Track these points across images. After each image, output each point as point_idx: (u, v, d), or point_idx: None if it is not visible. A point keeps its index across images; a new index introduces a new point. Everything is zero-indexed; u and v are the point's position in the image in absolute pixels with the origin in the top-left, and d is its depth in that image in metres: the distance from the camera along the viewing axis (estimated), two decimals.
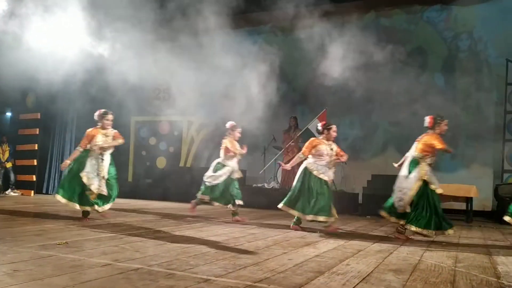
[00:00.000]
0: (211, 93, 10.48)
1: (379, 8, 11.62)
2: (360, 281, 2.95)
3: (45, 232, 4.59)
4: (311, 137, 9.69)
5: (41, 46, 7.57)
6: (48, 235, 4.42)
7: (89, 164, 5.84)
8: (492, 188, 9.86)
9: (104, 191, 5.86)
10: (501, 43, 10.41)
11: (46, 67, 8.14)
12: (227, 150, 6.88)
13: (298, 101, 11.77)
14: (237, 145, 6.97)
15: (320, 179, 5.79)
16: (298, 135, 9.80)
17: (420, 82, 10.90)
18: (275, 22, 11.21)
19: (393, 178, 10.02)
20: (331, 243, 4.71)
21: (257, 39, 11.73)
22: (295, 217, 5.91)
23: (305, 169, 5.94)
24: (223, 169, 6.79)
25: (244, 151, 6.99)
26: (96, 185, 5.79)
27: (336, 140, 10.42)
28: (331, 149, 5.93)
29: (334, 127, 6.08)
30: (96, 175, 5.84)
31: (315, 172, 5.82)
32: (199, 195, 6.88)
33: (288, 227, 6.07)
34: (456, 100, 10.83)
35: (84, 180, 5.73)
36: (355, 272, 3.26)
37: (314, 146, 5.90)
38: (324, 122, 6.43)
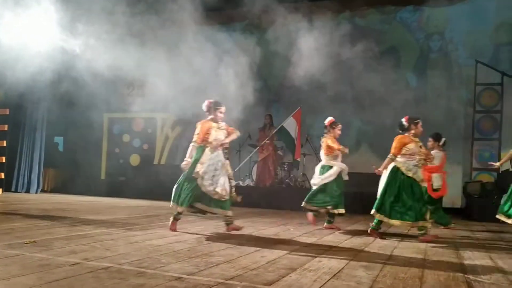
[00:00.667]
0: (185, 89, 10.41)
1: (354, 8, 11.75)
2: (331, 278, 2.98)
3: (13, 231, 4.47)
4: (286, 134, 9.84)
5: (9, 40, 7.37)
6: (16, 233, 4.31)
7: (209, 162, 5.05)
8: (461, 185, 10.12)
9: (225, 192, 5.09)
10: (471, 44, 10.68)
11: (15, 62, 7.93)
12: (329, 149, 6.46)
13: (273, 99, 11.81)
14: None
15: (414, 180, 5.35)
16: (273, 133, 9.83)
17: (393, 81, 11.09)
18: (250, 19, 11.21)
19: (366, 176, 10.21)
20: (304, 240, 4.74)
21: (232, 36, 11.69)
22: (376, 220, 5.45)
23: (396, 169, 5.44)
24: (330, 170, 6.38)
25: (347, 149, 6.57)
26: (220, 185, 5.02)
27: (310, 139, 10.59)
28: (420, 147, 5.56)
29: (420, 122, 5.74)
30: (218, 174, 5.07)
31: (409, 173, 5.36)
32: (313, 206, 6.33)
33: (262, 224, 6.08)
34: (427, 99, 11.08)
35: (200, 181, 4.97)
36: (327, 268, 3.29)
37: (405, 144, 5.48)
38: (407, 117, 5.84)
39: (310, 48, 10.17)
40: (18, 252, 3.35)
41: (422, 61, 11.27)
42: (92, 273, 2.79)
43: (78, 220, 5.64)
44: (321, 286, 2.75)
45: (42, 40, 7.55)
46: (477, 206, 8.69)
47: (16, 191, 11.51)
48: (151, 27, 8.53)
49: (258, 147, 10.07)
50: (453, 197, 9.99)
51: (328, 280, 2.92)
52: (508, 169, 8.69)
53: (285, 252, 3.93)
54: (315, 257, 3.75)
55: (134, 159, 13.03)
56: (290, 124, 9.63)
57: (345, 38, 10.13)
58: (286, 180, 10.15)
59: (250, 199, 9.61)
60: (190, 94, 10.41)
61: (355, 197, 9.34)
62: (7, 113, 11.16)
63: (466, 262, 3.85)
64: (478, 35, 10.54)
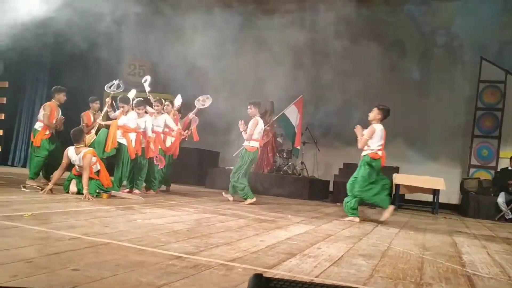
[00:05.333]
0: (188, 72, 10.35)
1: None
2: (331, 264, 2.98)
3: (10, 203, 4.44)
4: (287, 122, 9.79)
5: (6, 10, 7.26)
6: (13, 206, 4.28)
7: None
8: (459, 182, 10.15)
9: None
10: (476, 40, 10.62)
11: (15, 35, 7.82)
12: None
13: (275, 86, 11.73)
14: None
15: None
16: (273, 119, 9.78)
17: (396, 74, 11.05)
18: (257, 4, 11.07)
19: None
20: (302, 227, 4.74)
21: (238, 20, 11.56)
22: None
23: None
24: None
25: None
26: None
27: (311, 128, 10.57)
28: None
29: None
30: None
31: None
32: None
33: (260, 209, 6.07)
34: (429, 94, 11.05)
35: None
36: (326, 255, 3.28)
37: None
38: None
39: (314, 36, 10.13)
40: (17, 224, 3.32)
41: (426, 55, 11.22)
42: (92, 248, 2.77)
43: (75, 196, 5.61)
44: (321, 272, 2.74)
45: (44, 9, 7.44)
46: (474, 202, 8.72)
47: (12, 164, 11.46)
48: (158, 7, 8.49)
49: None
50: (449, 193, 10.03)
51: (328, 266, 2.91)
52: (507, 167, 8.73)
53: (284, 237, 3.92)
54: (314, 244, 3.74)
55: None
56: (292, 112, 9.58)
57: (351, 28, 10.06)
58: (284, 168, 10.14)
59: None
60: (194, 77, 10.39)
61: None
62: (6, 86, 11.07)
63: (464, 256, 3.85)
64: (483, 31, 10.46)
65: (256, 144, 7.00)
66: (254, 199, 6.84)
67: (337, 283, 2.42)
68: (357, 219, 5.83)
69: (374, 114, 5.81)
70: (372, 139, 5.68)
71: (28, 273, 2.11)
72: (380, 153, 5.72)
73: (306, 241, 3.85)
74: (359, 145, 5.82)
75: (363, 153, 5.78)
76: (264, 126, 9.83)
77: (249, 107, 7.03)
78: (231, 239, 3.55)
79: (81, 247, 2.77)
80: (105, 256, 2.59)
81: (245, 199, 6.87)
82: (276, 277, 1.49)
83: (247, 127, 6.94)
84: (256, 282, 1.06)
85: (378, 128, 5.74)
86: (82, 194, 5.56)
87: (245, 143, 6.99)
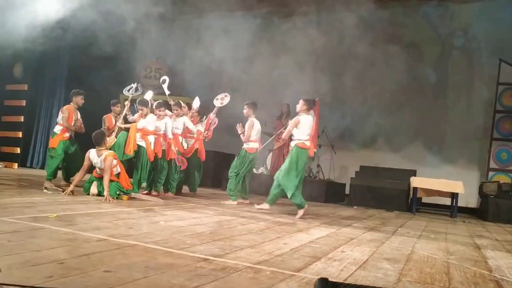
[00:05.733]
0: (205, 74, 10.39)
1: None
2: (357, 268, 2.96)
3: (34, 205, 4.50)
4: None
5: (26, 16, 7.37)
6: (38, 207, 4.34)
7: None
8: (477, 185, 10.02)
9: None
10: (494, 42, 10.50)
11: (34, 37, 7.94)
12: None
13: (291, 88, 11.72)
14: None
15: None
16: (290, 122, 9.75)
17: (413, 76, 10.96)
18: (271, 7, 11.09)
19: (381, 170, 10.14)
20: (322, 231, 4.72)
21: (253, 23, 11.58)
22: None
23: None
24: None
25: None
26: None
27: (326, 130, 10.52)
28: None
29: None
30: None
31: None
32: None
33: (279, 212, 6.06)
34: (447, 96, 10.94)
35: None
36: (351, 259, 3.27)
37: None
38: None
39: (330, 38, 10.09)
40: (43, 225, 3.37)
41: (443, 57, 11.11)
42: (119, 250, 2.79)
43: (96, 198, 5.66)
44: (349, 276, 2.72)
45: (62, 13, 7.55)
46: (493, 206, 8.60)
47: (31, 166, 11.61)
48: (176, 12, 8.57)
49: (274, 136, 10.01)
50: (467, 197, 9.91)
51: (355, 270, 2.89)
52: None
53: (307, 240, 3.91)
54: (337, 247, 3.72)
55: None
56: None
57: (369, 30, 10.01)
58: None
59: (264, 187, 9.60)
60: (207, 81, 10.42)
61: (370, 191, 9.32)
62: (26, 88, 11.23)
63: (489, 261, 3.80)
64: (502, 33, 10.34)
65: (255, 145, 7.05)
66: (235, 203, 6.88)
67: None
68: (267, 206, 6.29)
69: (299, 105, 5.95)
70: (298, 129, 5.78)
71: (62, 274, 2.14)
72: (307, 143, 5.80)
73: (329, 244, 3.84)
74: (283, 136, 6.22)
75: (292, 143, 5.90)
76: (280, 128, 9.87)
77: (244, 107, 7.06)
78: (254, 242, 3.55)
79: (109, 249, 2.79)
80: (133, 258, 2.61)
81: (229, 197, 6.94)
82: (341, 281, 1.48)
83: (244, 130, 6.99)
84: (323, 287, 1.04)
85: (303, 119, 5.84)
86: (103, 196, 5.61)
87: (244, 145, 7.04)
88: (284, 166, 5.86)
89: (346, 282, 1.13)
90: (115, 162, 5.74)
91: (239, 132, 7.05)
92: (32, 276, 2.06)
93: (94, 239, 3.06)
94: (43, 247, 2.66)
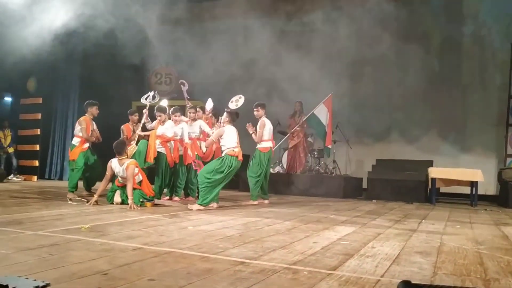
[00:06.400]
0: (217, 78, 10.43)
1: None
2: (391, 263, 2.98)
3: (63, 217, 4.59)
4: (317, 122, 9.77)
5: (41, 28, 7.47)
6: (68, 219, 4.42)
7: None
8: (495, 172, 9.96)
9: None
10: (505, 27, 10.41)
11: (45, 51, 8.05)
12: None
13: (304, 86, 11.74)
14: None
15: None
16: (303, 120, 9.79)
17: (425, 67, 10.92)
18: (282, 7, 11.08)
19: (398, 162, 10.10)
20: (348, 227, 4.74)
21: (264, 20, 11.58)
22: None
23: None
24: None
25: None
26: None
27: (340, 125, 10.52)
28: None
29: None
30: None
31: None
32: None
33: (301, 210, 6.09)
34: (460, 85, 10.87)
35: None
36: (383, 254, 3.29)
37: None
38: None
39: (341, 33, 10.09)
40: (78, 237, 3.43)
41: (454, 44, 11.02)
42: (157, 258, 2.84)
43: (120, 206, 5.74)
44: (385, 271, 2.75)
45: (71, 25, 7.64)
46: None
47: (49, 178, 11.77)
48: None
49: (288, 134, 10.05)
50: (486, 184, 9.84)
51: (390, 266, 2.91)
52: None
53: (335, 238, 3.93)
54: (367, 243, 3.74)
55: None
56: (321, 111, 9.56)
57: (376, 23, 9.98)
58: (317, 167, 10.14)
59: (281, 186, 9.65)
60: (221, 82, 10.46)
61: (388, 184, 9.30)
62: (40, 101, 11.37)
63: None
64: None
65: (268, 144, 7.14)
66: (256, 202, 7.01)
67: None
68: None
69: (223, 117, 6.34)
70: (225, 139, 6.11)
71: (109, 285, 2.19)
72: (236, 149, 6.11)
73: (358, 240, 3.86)
74: (205, 144, 6.70)
75: (223, 153, 6.18)
76: (294, 126, 9.91)
77: (255, 109, 7.23)
78: (284, 242, 3.59)
79: (147, 257, 2.84)
80: (173, 265, 2.66)
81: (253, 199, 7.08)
82: (424, 283, 1.51)
83: (255, 129, 7.06)
84: None
85: (228, 130, 6.17)
86: (126, 204, 5.69)
87: (258, 146, 7.15)
88: (213, 166, 6.01)
89: (427, 284, 1.14)
90: (136, 170, 5.81)
91: (250, 132, 7.13)
92: None
93: (130, 248, 3.12)
94: (84, 259, 2.72)
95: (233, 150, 6.05)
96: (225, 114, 6.30)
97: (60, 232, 3.62)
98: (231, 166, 5.99)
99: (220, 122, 6.34)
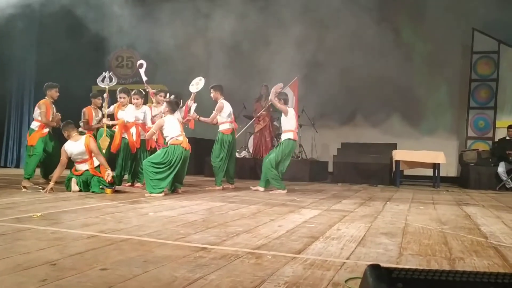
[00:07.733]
0: (177, 60, 10.15)
1: None
2: (357, 245, 2.92)
3: (15, 205, 4.32)
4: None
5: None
6: (20, 208, 4.17)
7: None
8: (456, 154, 10.19)
9: None
10: (468, 12, 10.54)
11: None
12: None
13: (270, 69, 11.59)
14: None
15: None
16: (269, 103, 9.65)
17: (388, 49, 10.95)
18: None
19: (363, 145, 10.16)
20: (314, 210, 4.69)
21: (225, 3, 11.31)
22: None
23: None
24: None
25: None
26: None
27: (306, 109, 10.47)
28: None
29: None
30: None
31: None
32: None
33: (267, 194, 6.01)
34: (422, 68, 10.99)
35: None
36: (348, 236, 3.23)
37: None
38: None
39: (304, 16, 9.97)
40: (29, 226, 3.22)
41: (418, 29, 11.09)
42: (113, 245, 2.68)
43: (78, 194, 5.49)
44: (351, 253, 2.68)
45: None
46: (474, 174, 8.76)
47: (5, 166, 11.25)
48: None
49: (254, 118, 9.92)
50: (447, 166, 10.06)
51: (355, 248, 2.85)
52: (505, 137, 8.76)
53: (300, 221, 3.86)
54: (332, 225, 3.69)
55: None
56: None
57: (339, 2, 9.81)
58: None
59: (246, 170, 9.55)
60: (183, 65, 10.18)
61: (354, 167, 9.35)
62: None
63: (482, 228, 3.83)
64: (475, 2, 10.38)
65: (230, 126, 7.06)
66: (220, 188, 6.93)
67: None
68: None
69: (163, 108, 6.21)
70: (167, 129, 5.94)
71: (57, 276, 2.02)
72: (180, 138, 5.96)
73: (323, 223, 3.80)
74: (146, 136, 6.40)
75: (168, 142, 6.00)
76: (260, 110, 9.79)
77: (211, 91, 7.07)
78: (249, 227, 3.48)
79: (101, 245, 2.67)
80: (129, 253, 2.50)
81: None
82: (394, 266, 1.41)
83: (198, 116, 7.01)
84: (377, 274, 0.95)
85: (168, 119, 6.00)
86: (84, 191, 5.47)
87: (219, 128, 7.04)
88: (158, 158, 5.86)
89: (397, 267, 1.04)
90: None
91: (196, 119, 6.97)
92: (25, 281, 1.94)
93: (84, 236, 2.94)
94: (32, 248, 2.53)
95: (177, 139, 5.86)
96: (164, 104, 6.14)
97: (9, 221, 3.39)
98: (177, 154, 5.79)
99: (163, 113, 6.11)
